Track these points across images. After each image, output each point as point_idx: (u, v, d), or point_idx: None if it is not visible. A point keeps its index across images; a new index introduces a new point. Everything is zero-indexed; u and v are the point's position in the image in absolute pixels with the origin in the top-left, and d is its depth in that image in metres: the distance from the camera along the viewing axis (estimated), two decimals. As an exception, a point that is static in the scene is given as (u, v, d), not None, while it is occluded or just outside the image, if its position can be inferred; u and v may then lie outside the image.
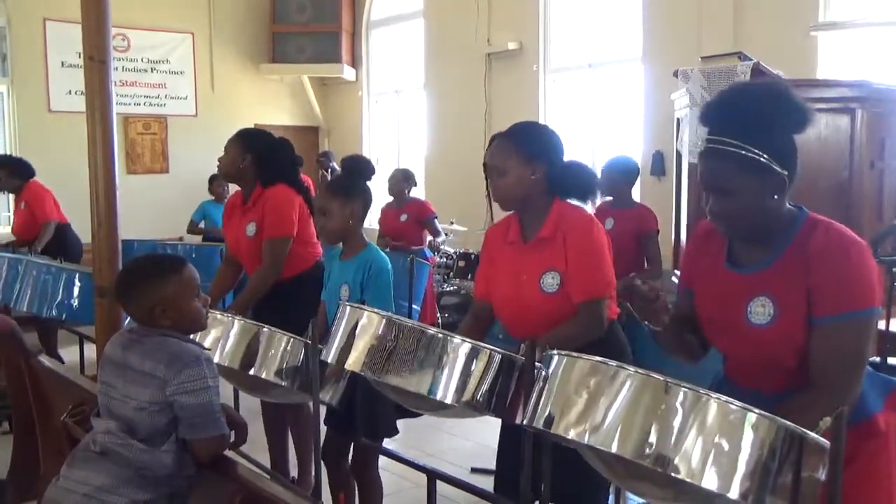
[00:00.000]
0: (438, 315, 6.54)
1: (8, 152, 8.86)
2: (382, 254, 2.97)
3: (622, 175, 4.56)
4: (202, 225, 7.88)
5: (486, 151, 2.55)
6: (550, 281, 2.42)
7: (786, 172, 1.77)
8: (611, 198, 4.57)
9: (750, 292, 1.83)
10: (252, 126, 10.28)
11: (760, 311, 1.81)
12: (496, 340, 2.75)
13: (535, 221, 2.50)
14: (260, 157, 3.63)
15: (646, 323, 1.97)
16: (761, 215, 1.78)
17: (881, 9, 5.98)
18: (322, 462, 3.01)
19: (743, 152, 1.74)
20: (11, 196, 8.70)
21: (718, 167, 1.77)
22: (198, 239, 7.84)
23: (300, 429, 3.76)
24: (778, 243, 1.82)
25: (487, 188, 2.57)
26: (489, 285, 2.61)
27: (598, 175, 4.55)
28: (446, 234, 7.07)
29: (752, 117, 1.75)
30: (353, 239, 2.96)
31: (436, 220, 6.70)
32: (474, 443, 4.54)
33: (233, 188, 4.12)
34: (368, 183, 3.06)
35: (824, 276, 1.73)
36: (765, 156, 1.74)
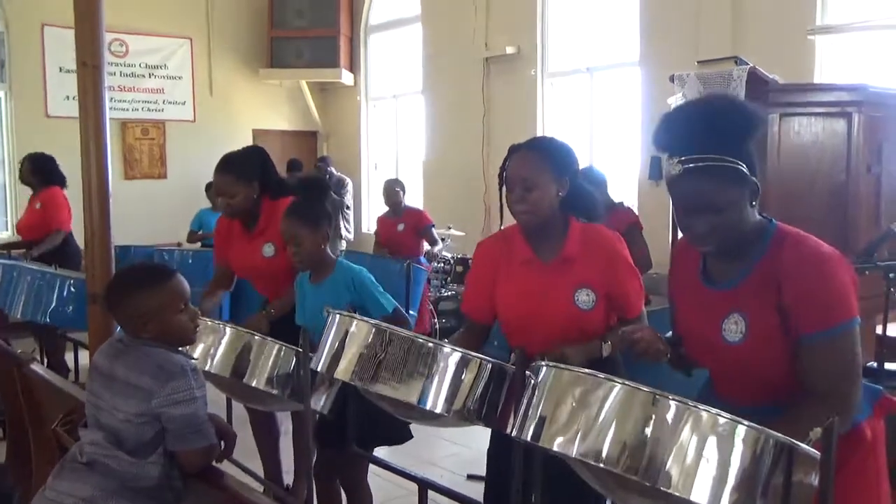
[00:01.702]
0: (435, 321, 6.53)
1: (6, 157, 8.89)
2: (352, 264, 2.99)
3: (594, 187, 4.50)
4: (200, 232, 7.85)
5: (508, 162, 2.43)
6: (585, 298, 2.36)
7: (755, 179, 1.77)
8: None
9: (723, 309, 1.83)
10: (250, 131, 10.40)
11: (733, 328, 1.80)
12: (490, 346, 2.73)
13: (550, 240, 2.42)
14: (264, 178, 3.55)
15: None
16: (742, 225, 1.78)
17: (878, 12, 5.97)
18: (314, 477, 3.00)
19: (724, 164, 1.72)
20: (11, 202, 8.76)
21: (703, 184, 1.73)
22: (197, 245, 7.82)
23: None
24: (749, 257, 1.81)
25: (501, 199, 2.47)
26: (491, 305, 2.50)
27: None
28: (443, 240, 7.06)
29: (718, 129, 1.74)
30: (323, 260, 2.96)
31: (433, 228, 6.70)
32: (472, 449, 4.52)
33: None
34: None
35: (803, 293, 1.72)
36: (742, 164, 1.74)
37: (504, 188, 2.43)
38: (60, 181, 6.16)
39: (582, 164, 2.60)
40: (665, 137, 1.82)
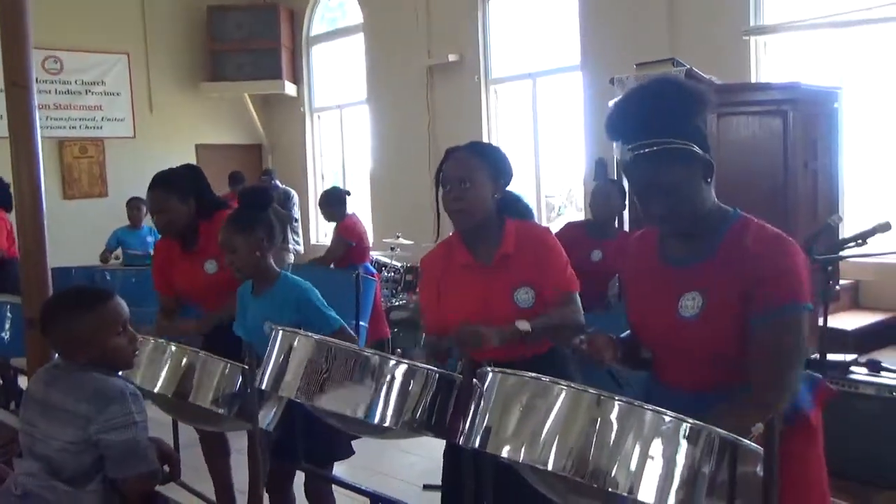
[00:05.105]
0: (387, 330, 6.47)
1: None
2: (296, 277, 2.93)
3: (624, 198, 4.44)
4: (119, 251, 7.57)
5: (445, 163, 2.45)
6: (525, 296, 2.38)
7: (708, 155, 1.81)
8: (587, 220, 4.51)
9: (682, 287, 1.85)
10: (192, 146, 10.23)
11: (690, 304, 1.83)
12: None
13: (488, 242, 2.44)
14: (199, 193, 3.48)
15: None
16: (699, 204, 1.82)
17: (811, 11, 6.12)
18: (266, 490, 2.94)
19: (670, 146, 1.76)
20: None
21: (653, 168, 1.78)
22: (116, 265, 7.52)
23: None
24: (710, 239, 1.84)
25: (437, 201, 2.49)
26: (443, 314, 2.49)
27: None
28: (392, 249, 6.98)
29: (661, 112, 1.78)
30: (263, 271, 2.91)
31: (349, 244, 6.25)
32: (427, 459, 4.49)
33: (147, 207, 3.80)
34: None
35: (765, 274, 1.75)
36: (689, 143, 1.77)
37: (440, 190, 2.44)
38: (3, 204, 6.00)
39: (518, 172, 2.60)
40: (615, 127, 1.86)
